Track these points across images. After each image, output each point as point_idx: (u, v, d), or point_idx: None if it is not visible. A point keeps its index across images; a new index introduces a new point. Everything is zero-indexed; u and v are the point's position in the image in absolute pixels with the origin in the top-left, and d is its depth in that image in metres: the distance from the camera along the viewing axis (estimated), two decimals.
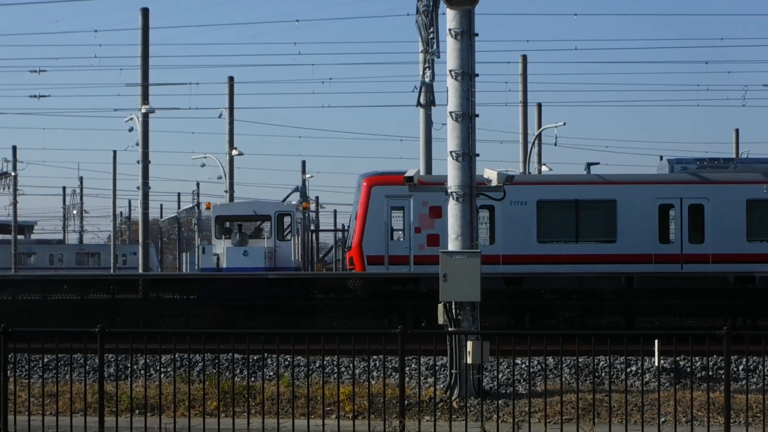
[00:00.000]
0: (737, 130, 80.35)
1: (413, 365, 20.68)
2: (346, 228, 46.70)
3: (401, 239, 33.80)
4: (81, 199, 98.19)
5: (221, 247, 40.32)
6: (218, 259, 40.10)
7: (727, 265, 32.70)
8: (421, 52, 34.20)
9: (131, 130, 50.72)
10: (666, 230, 33.89)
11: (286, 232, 41.77)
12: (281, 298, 31.91)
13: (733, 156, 36.51)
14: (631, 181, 34.42)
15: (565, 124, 59.23)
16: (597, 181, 34.72)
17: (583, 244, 33.66)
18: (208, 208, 44.62)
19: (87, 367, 18.35)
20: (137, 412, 17.46)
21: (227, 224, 41.60)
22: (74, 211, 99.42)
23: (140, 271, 48.23)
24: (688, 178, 34.05)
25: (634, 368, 21.00)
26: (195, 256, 54.90)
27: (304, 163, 77.96)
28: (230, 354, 20.87)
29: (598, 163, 38.10)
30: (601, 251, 33.48)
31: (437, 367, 20.26)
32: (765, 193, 33.63)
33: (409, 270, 33.02)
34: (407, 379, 17.74)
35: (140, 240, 49.48)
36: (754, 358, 21.73)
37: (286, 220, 41.66)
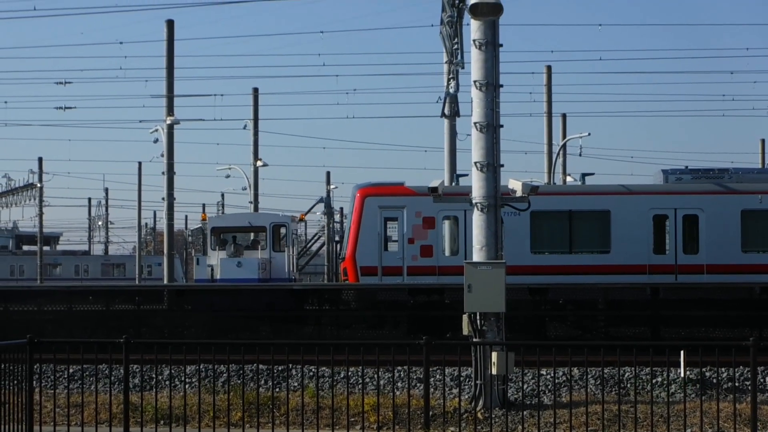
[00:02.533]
0: (763, 140, 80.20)
1: (438, 376, 20.67)
2: (338, 240, 46.82)
3: (395, 250, 33.84)
4: (106, 210, 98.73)
5: (215, 258, 40.45)
6: (212, 270, 40.22)
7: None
8: (446, 62, 34.18)
9: (156, 141, 50.89)
10: (660, 241, 33.76)
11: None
12: (305, 308, 32.01)
13: (729, 166, 36.12)
14: (626, 191, 34.25)
15: (589, 134, 59.15)
16: (591, 192, 34.61)
17: (577, 255, 33.56)
18: (204, 219, 44.67)
19: (112, 378, 18.40)
20: (162, 423, 17.50)
21: (222, 236, 41.72)
22: (99, 222, 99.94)
23: (165, 281, 48.35)
24: (683, 189, 33.88)
25: (659, 379, 20.90)
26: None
27: (328, 174, 78.06)
28: (255, 365, 20.89)
29: (593, 174, 37.93)
30: (595, 262, 33.36)
31: (462, 378, 20.22)
32: (760, 203, 33.45)
33: (402, 281, 33.05)
34: (432, 389, 17.72)
35: (165, 251, 49.64)
36: None
37: (282, 231, 41.71)
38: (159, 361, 19.99)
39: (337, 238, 53.08)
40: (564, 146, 61.45)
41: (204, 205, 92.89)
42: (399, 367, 20.87)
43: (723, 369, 20.99)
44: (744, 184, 33.88)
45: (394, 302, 31.32)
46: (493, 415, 18.54)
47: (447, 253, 33.56)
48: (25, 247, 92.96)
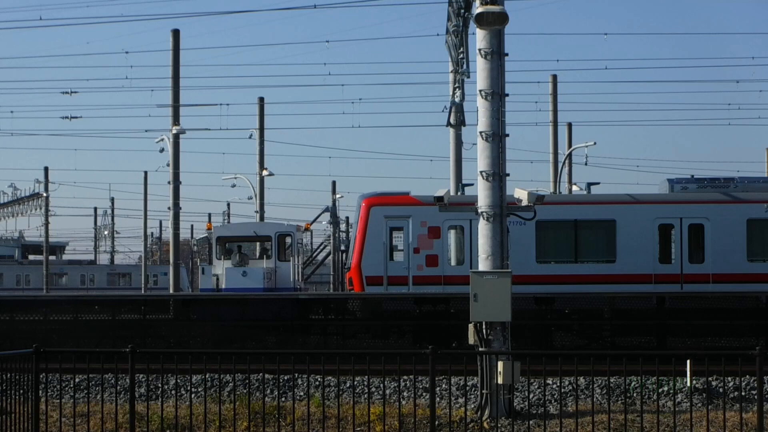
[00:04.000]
0: None
1: (444, 385, 20.65)
2: (344, 249, 46.78)
3: (400, 260, 33.82)
4: (112, 219, 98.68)
5: (221, 267, 40.45)
6: (217, 279, 40.23)
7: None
8: (451, 72, 34.30)
9: (162, 150, 50.81)
10: (666, 250, 33.69)
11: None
12: (310, 318, 31.99)
13: (735, 175, 36.08)
14: (631, 200, 34.20)
15: (595, 143, 58.98)
16: (596, 201, 34.56)
17: (583, 265, 33.53)
18: (209, 229, 44.63)
19: (118, 387, 18.39)
20: None
21: (228, 245, 41.73)
22: (105, 232, 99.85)
23: (171, 291, 48.33)
24: (688, 198, 33.83)
25: (666, 388, 20.88)
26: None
27: (334, 183, 77.90)
28: (261, 374, 20.88)
29: (598, 183, 37.88)
30: (601, 271, 33.31)
31: (468, 388, 20.19)
32: (766, 212, 33.40)
33: (408, 290, 33.02)
34: (438, 399, 17.69)
35: (171, 260, 49.56)
36: None
37: (287, 240, 41.70)
38: (165, 371, 19.93)
39: (342, 248, 53.10)
40: (570, 155, 61.42)
41: (210, 215, 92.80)
42: (405, 377, 20.86)
43: (729, 378, 20.95)
44: (750, 194, 33.84)
45: (400, 312, 31.30)
46: (499, 425, 18.51)
47: (452, 262, 33.54)
48: (31, 257, 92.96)
